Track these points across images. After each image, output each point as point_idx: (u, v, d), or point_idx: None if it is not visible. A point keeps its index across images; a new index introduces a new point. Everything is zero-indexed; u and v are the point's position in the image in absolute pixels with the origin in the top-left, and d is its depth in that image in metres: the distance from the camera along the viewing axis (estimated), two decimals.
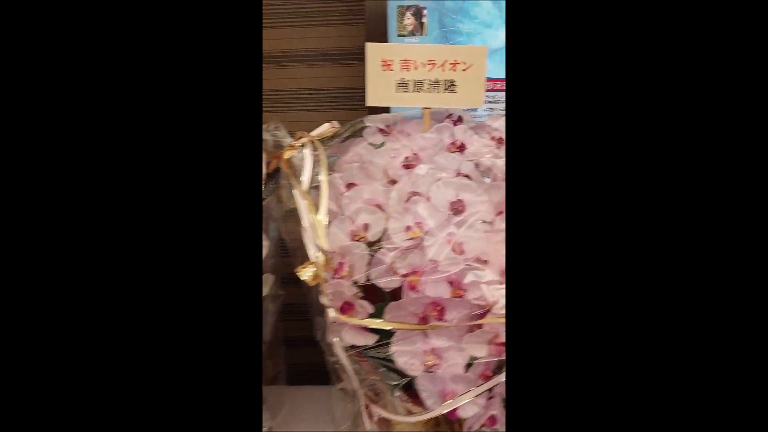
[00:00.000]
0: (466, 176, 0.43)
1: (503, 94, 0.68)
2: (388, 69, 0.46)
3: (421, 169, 0.41)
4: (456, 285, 0.37)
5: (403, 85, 0.47)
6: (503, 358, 0.36)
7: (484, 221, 0.41)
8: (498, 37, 0.67)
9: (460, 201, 0.40)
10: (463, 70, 0.46)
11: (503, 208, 0.42)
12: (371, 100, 0.47)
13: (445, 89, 0.47)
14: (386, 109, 0.57)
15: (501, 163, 0.43)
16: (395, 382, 0.39)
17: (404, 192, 0.43)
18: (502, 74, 0.68)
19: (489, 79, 0.68)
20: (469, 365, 0.37)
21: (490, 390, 0.36)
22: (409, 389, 0.39)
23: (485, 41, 0.67)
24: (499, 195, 0.42)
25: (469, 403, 0.35)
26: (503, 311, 0.36)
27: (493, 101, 0.68)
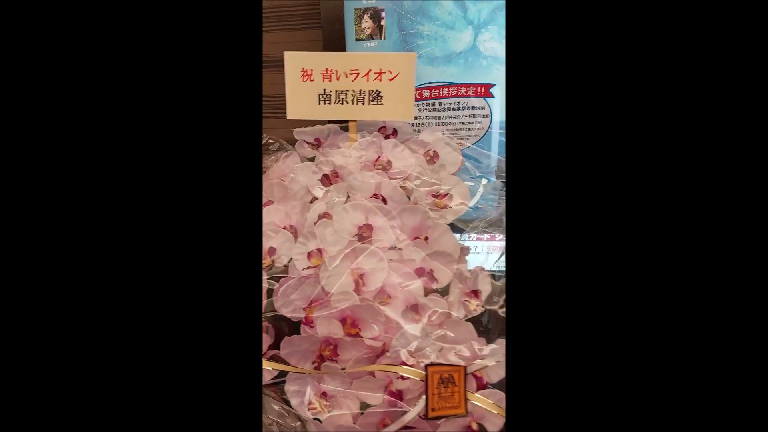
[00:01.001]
0: (383, 198, 0.39)
1: (468, 100, 0.64)
2: (308, 79, 0.43)
3: (317, 191, 0.38)
4: (350, 323, 0.33)
5: (325, 97, 0.43)
6: (399, 408, 0.32)
7: (395, 247, 0.37)
8: (461, 39, 0.62)
9: (368, 226, 0.37)
10: (390, 79, 0.42)
11: (420, 233, 0.38)
12: (292, 113, 0.44)
13: (371, 100, 0.43)
14: None
15: (419, 183, 0.39)
16: (293, 424, 0.36)
17: (317, 213, 0.39)
18: (468, 79, 0.64)
19: (453, 85, 0.64)
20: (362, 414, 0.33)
21: None
22: None
23: (447, 44, 0.62)
24: (415, 219, 0.38)
25: None
26: (398, 355, 0.32)
27: (458, 108, 0.64)
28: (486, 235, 0.53)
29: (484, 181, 0.51)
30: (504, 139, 0.64)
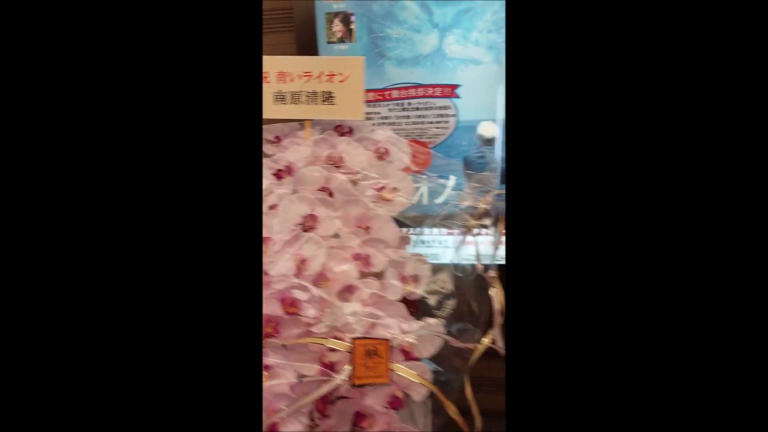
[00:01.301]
0: (330, 191, 0.42)
1: (436, 101, 0.67)
2: (264, 81, 0.46)
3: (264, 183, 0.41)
4: (288, 302, 0.37)
5: (280, 97, 0.47)
6: (328, 378, 0.35)
7: (336, 236, 0.40)
8: (427, 42, 0.66)
9: (312, 216, 0.40)
10: (340, 81, 0.46)
11: (362, 224, 0.42)
12: None
13: (323, 101, 0.46)
14: None
15: (361, 177, 0.43)
16: None
17: (267, 205, 0.43)
18: (435, 80, 0.67)
19: (421, 86, 0.68)
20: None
21: (322, 412, 0.36)
22: None
23: (415, 46, 0.66)
24: (358, 210, 0.41)
25: (290, 420, 0.35)
26: (328, 329, 0.36)
27: (425, 108, 0.67)
28: (456, 231, 0.56)
29: (452, 179, 0.54)
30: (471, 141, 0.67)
